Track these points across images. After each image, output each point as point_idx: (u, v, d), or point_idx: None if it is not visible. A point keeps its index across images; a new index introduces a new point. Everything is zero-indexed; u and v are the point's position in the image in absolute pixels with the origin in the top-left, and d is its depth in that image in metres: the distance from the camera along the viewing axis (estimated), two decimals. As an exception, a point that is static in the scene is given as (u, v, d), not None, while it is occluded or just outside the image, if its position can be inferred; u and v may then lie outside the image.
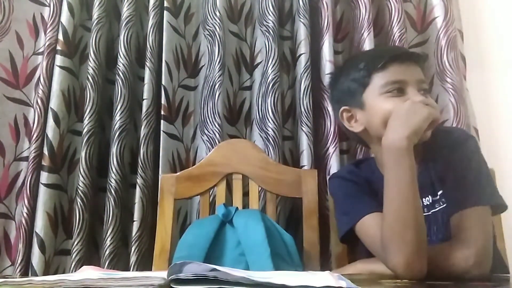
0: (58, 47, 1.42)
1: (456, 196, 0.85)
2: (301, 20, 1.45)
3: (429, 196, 0.92)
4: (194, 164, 1.42)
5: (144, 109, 1.40)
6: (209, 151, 1.33)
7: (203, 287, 0.48)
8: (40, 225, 1.31)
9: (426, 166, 0.94)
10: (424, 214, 0.87)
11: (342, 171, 1.14)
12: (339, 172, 1.17)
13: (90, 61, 1.42)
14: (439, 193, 0.91)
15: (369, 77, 0.93)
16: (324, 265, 1.21)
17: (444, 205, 0.89)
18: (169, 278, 0.51)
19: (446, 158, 0.90)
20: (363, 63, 0.95)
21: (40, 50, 1.50)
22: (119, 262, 1.35)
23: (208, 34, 1.50)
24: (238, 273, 0.52)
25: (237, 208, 1.06)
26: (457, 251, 0.78)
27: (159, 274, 0.57)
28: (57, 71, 1.41)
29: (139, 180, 1.35)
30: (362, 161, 1.11)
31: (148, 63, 1.42)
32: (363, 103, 0.94)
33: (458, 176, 0.86)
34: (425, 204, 0.92)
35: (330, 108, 1.40)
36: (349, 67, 1.00)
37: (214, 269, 0.52)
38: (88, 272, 0.65)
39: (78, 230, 1.33)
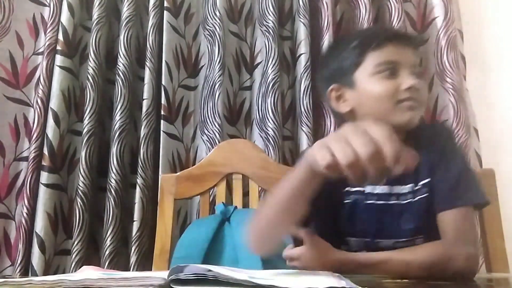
0: (58, 47, 1.42)
1: (450, 193, 0.85)
2: (301, 20, 1.45)
3: (410, 185, 0.90)
4: (194, 164, 1.42)
5: (144, 109, 1.40)
6: (209, 151, 1.33)
7: (203, 288, 0.48)
8: (40, 225, 1.31)
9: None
10: (399, 202, 0.88)
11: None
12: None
13: (90, 61, 1.42)
14: (422, 182, 0.89)
15: (363, 56, 0.90)
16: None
17: (425, 194, 0.88)
18: (169, 278, 0.51)
19: (438, 149, 0.89)
20: (357, 41, 0.93)
21: (40, 50, 1.49)
22: (119, 262, 1.35)
23: (208, 34, 1.50)
24: (241, 273, 0.52)
25: (235, 207, 1.06)
26: (461, 250, 0.80)
27: (159, 274, 0.56)
28: (57, 71, 1.41)
29: (139, 180, 1.35)
30: None
31: (148, 63, 1.42)
32: (354, 82, 0.92)
33: (451, 171, 0.86)
34: (402, 192, 0.90)
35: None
36: (342, 45, 0.97)
37: (210, 270, 0.52)
38: (88, 272, 0.65)
39: (78, 230, 1.33)
